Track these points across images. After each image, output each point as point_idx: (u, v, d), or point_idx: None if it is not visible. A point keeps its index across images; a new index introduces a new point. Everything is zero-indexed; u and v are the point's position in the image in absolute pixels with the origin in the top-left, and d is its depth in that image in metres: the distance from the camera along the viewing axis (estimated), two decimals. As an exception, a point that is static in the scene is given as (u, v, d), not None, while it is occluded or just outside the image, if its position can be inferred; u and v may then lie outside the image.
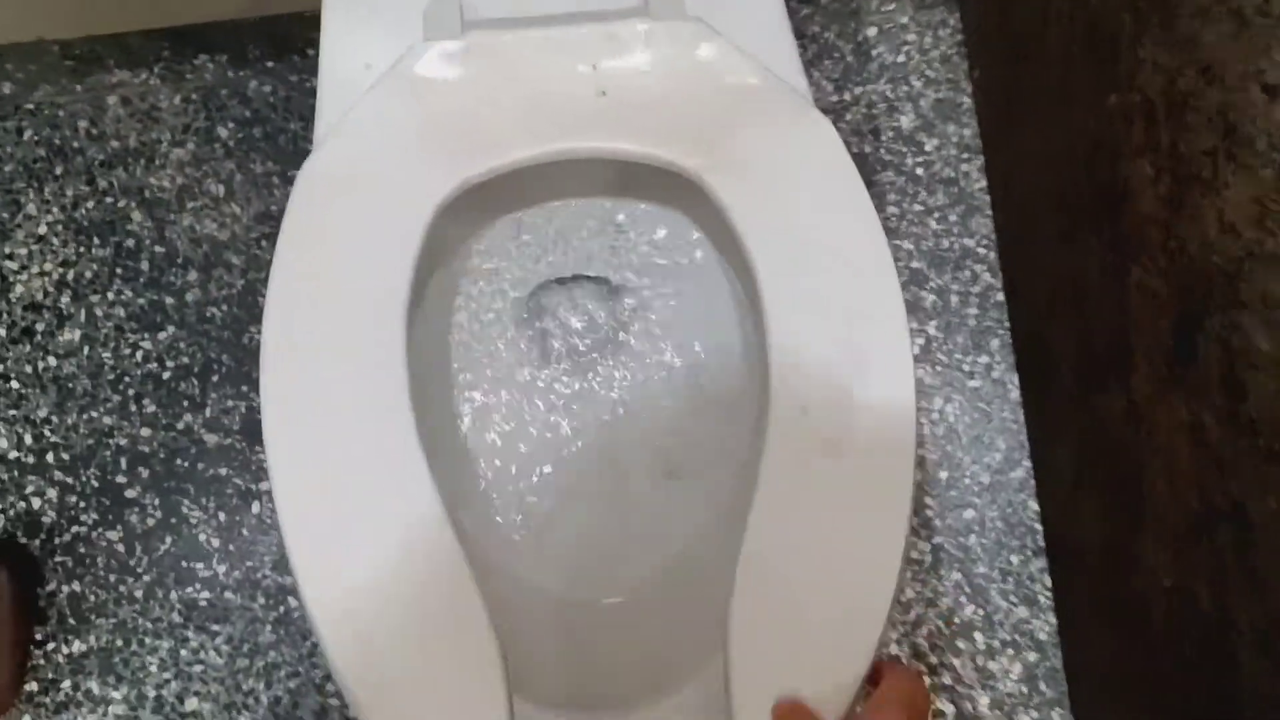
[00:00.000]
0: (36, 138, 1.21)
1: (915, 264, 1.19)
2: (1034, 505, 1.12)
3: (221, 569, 1.12)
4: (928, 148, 1.22)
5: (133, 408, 1.17)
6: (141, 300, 1.19)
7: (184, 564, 1.12)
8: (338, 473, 0.64)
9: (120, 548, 1.13)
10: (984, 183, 1.20)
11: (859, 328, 0.69)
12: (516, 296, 0.92)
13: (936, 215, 1.20)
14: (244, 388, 1.17)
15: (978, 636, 1.09)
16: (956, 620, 1.09)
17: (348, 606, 0.61)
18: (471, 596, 0.61)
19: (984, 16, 1.17)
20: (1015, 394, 1.16)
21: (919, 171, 1.21)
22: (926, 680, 1.07)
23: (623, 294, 0.92)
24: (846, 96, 1.22)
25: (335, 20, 0.80)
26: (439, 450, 0.69)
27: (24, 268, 1.19)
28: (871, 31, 1.24)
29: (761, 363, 0.70)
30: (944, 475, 1.14)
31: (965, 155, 1.21)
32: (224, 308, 1.19)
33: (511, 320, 0.92)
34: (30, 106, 1.22)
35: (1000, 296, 1.18)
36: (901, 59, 1.23)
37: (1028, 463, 1.14)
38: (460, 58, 0.74)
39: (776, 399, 0.67)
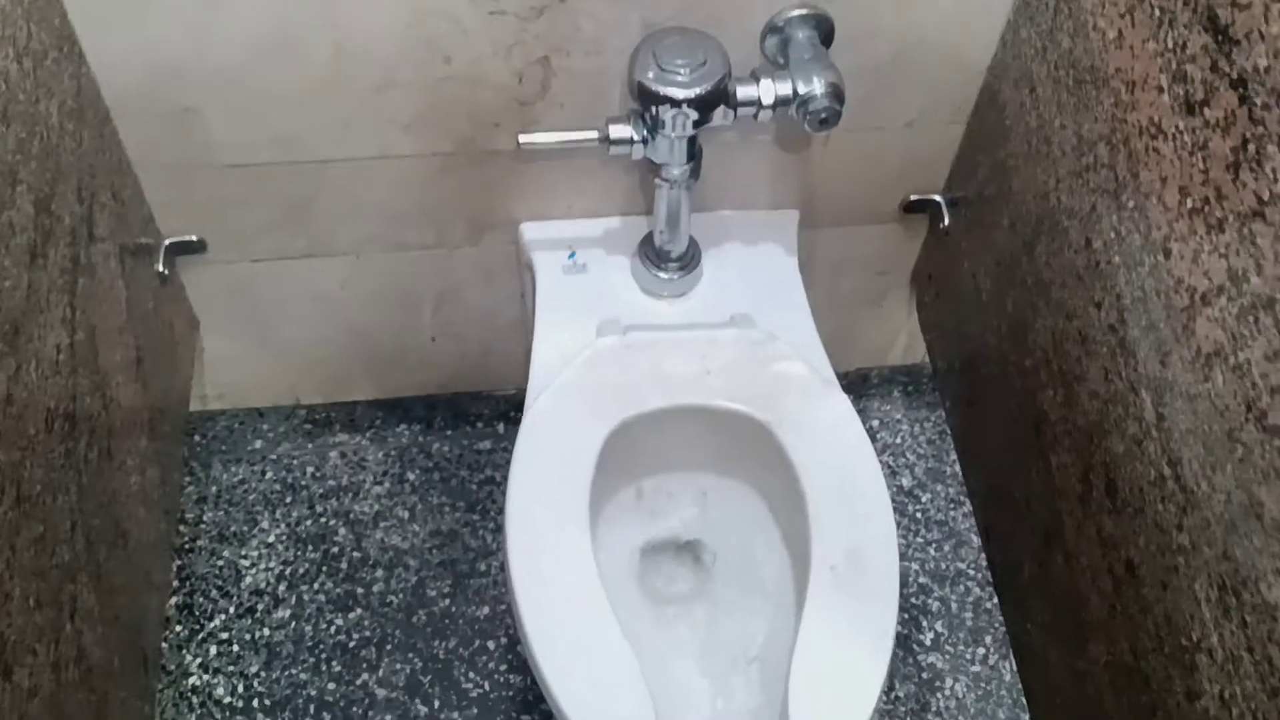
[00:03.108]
0: (275, 478, 1.68)
1: (922, 579, 1.59)
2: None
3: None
4: (923, 499, 1.66)
5: (323, 668, 1.51)
6: (338, 589, 1.58)
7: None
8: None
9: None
10: (969, 524, 1.63)
11: (862, 528, 1.12)
12: (636, 546, 1.33)
13: (934, 546, 1.62)
14: (410, 655, 1.52)
15: None
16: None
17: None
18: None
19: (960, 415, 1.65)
20: (1009, 678, 1.50)
21: (919, 515, 1.64)
22: None
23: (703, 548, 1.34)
24: (862, 462, 1.69)
25: (544, 328, 1.29)
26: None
27: (254, 564, 1.60)
28: (874, 423, 1.74)
29: (804, 546, 1.11)
30: (956, 736, 1.45)
31: (952, 505, 1.65)
32: (400, 597, 1.57)
33: (632, 569, 1.32)
34: (274, 457, 1.70)
35: (990, 605, 1.56)
36: (898, 440, 1.72)
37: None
38: (621, 349, 1.23)
39: (815, 561, 1.08)
